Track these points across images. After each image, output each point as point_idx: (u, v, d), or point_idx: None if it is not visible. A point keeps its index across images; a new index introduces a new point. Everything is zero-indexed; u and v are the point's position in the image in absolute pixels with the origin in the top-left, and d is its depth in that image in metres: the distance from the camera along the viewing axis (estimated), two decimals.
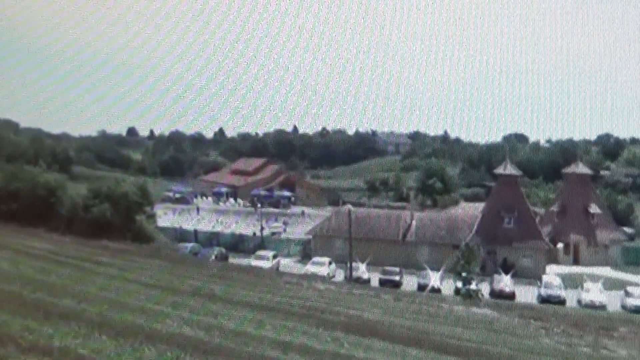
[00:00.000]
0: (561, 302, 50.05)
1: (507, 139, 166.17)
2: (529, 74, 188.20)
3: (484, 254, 59.98)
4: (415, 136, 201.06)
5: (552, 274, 59.05)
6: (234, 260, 58.29)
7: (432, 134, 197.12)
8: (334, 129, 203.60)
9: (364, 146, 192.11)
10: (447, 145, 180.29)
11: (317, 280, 42.87)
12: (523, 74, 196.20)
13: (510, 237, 63.86)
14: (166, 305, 20.49)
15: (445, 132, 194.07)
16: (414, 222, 66.86)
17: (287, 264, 61.53)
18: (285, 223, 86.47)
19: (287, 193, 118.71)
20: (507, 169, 68.48)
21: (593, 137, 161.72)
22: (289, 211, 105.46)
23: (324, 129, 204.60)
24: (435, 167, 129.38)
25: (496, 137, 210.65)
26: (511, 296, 51.44)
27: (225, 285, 29.79)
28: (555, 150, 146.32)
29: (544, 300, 50.42)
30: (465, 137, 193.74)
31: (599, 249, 71.44)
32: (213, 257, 56.01)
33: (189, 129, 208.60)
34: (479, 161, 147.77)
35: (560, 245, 70.58)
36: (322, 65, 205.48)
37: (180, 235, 69.38)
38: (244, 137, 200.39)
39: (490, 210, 66.56)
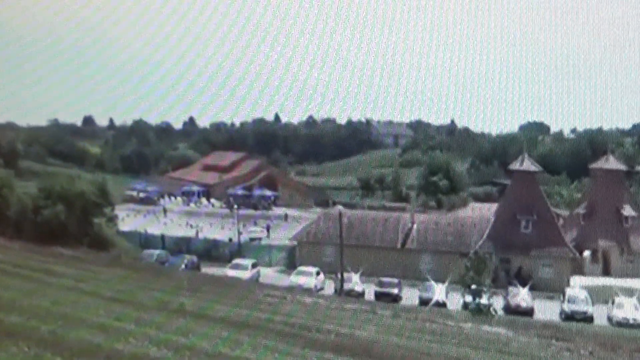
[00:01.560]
0: (588, 319, 50.13)
1: (524, 128, 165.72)
2: (551, 51, 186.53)
3: (497, 263, 60.26)
4: (417, 126, 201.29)
5: (578, 286, 58.17)
6: (207, 269, 58.28)
7: (436, 123, 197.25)
8: (323, 117, 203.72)
9: (357, 138, 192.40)
10: (454, 137, 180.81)
11: (303, 293, 43.04)
12: (544, 52, 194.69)
13: (528, 244, 64.09)
14: (129, 322, 20.57)
15: (452, 122, 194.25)
16: (415, 226, 66.93)
17: (269, 274, 61.52)
18: (267, 227, 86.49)
19: (268, 192, 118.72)
20: (525, 164, 68.65)
21: (627, 126, 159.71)
22: (270, 213, 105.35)
23: (310, 117, 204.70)
24: (440, 161, 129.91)
25: (512, 126, 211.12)
26: (529, 312, 51.60)
27: (197, 299, 29.90)
28: (582, 142, 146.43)
29: (568, 317, 50.54)
30: (475, 127, 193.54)
31: (634, 258, 71.23)
32: (183, 266, 56.02)
33: (154, 118, 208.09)
34: (492, 155, 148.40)
35: (587, 253, 70.18)
36: (309, 43, 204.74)
37: (145, 241, 69.13)
38: (218, 127, 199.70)
39: (504, 212, 66.76)
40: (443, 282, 53.66)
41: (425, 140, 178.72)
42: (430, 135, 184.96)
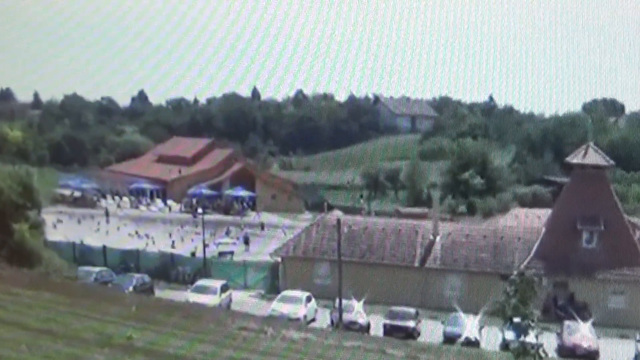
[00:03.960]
0: None
1: (589, 108, 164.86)
2: (625, 5, 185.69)
3: (549, 288, 60.53)
4: (443, 104, 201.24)
5: None
6: (163, 293, 58.87)
7: (468, 100, 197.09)
8: (315, 93, 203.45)
9: (361, 120, 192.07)
10: (492, 119, 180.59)
11: (289, 325, 43.15)
12: (615, 8, 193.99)
13: (593, 264, 64.06)
14: None
15: (491, 98, 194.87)
16: (438, 239, 67.17)
17: (244, 299, 61.99)
18: (245, 238, 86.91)
19: (243, 192, 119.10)
20: (589, 156, 68.63)
21: None
22: (246, 220, 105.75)
23: (299, 92, 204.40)
24: (474, 152, 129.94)
25: (573, 105, 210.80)
26: (592, 356, 51.84)
27: (148, 332, 30.14)
28: None
29: None
30: (521, 106, 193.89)
31: None
32: (131, 288, 56.26)
33: (93, 93, 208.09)
34: (543, 144, 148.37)
35: None
36: None
37: (82, 255, 69.52)
38: (178, 105, 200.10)
39: (560, 220, 66.87)
40: (475, 313, 53.80)
41: (453, 124, 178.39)
42: (461, 116, 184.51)
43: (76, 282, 52.97)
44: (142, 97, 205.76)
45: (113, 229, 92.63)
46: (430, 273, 65.09)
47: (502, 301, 46.71)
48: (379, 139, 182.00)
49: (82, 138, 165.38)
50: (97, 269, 60.28)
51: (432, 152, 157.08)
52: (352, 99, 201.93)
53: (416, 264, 65.35)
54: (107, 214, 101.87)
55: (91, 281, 55.78)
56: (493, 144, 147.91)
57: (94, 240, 77.73)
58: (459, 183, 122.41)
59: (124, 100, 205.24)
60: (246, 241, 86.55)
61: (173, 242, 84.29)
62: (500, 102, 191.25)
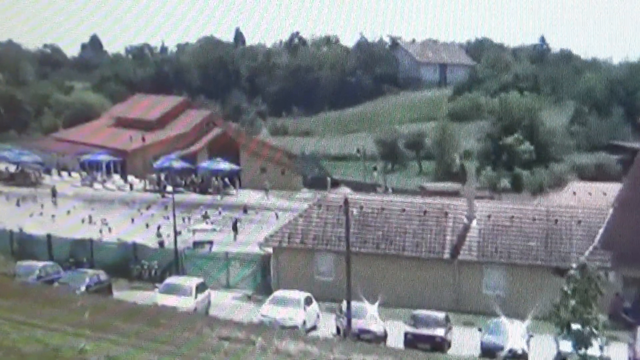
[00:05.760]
0: None
1: None
2: None
3: (619, 286, 60.72)
4: (480, 48, 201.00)
5: None
6: (124, 294, 59.03)
7: (512, 44, 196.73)
8: (315, 36, 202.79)
9: (374, 70, 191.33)
10: (544, 67, 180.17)
11: (284, 334, 43.37)
12: None
13: None
14: None
15: (542, 41, 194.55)
16: (475, 223, 67.72)
17: (226, 302, 62.50)
18: (234, 223, 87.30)
19: (224, 165, 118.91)
20: None
21: None
22: (228, 201, 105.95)
23: (296, 36, 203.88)
24: (520, 111, 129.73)
25: None
26: None
27: (107, 344, 30.37)
28: None
29: None
30: (582, 51, 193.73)
31: None
32: (83, 288, 56.46)
33: (32, 39, 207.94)
34: (610, 99, 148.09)
35: None
36: None
37: (21, 246, 70.19)
38: (140, 54, 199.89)
39: (632, 198, 67.01)
40: (522, 318, 53.87)
41: (494, 74, 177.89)
42: (504, 64, 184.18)
43: (14, 281, 53.20)
44: (94, 44, 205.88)
45: (60, 212, 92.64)
46: (464, 267, 65.57)
47: (557, 303, 47.18)
48: (398, 95, 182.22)
49: (20, 97, 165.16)
50: (40, 263, 60.55)
51: (466, 111, 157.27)
52: (362, 43, 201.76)
53: (446, 256, 65.83)
54: (53, 193, 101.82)
55: (33, 279, 55.94)
56: (545, 100, 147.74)
57: (36, 228, 78.03)
58: (501, 150, 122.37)
59: (72, 49, 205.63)
60: (234, 227, 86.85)
61: (134, 227, 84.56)
62: (555, 45, 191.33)
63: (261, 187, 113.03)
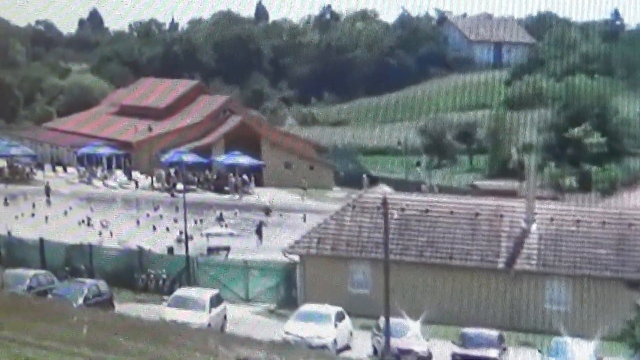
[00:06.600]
0: None
1: None
2: None
3: None
4: (542, 24, 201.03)
5: None
6: (127, 307, 58.61)
7: (580, 19, 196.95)
8: (350, 10, 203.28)
9: (419, 50, 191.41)
10: (617, 46, 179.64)
11: (311, 355, 42.86)
12: None
13: None
14: None
15: (616, 13, 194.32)
16: (535, 228, 67.16)
17: (245, 317, 62.50)
18: (259, 227, 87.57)
19: (244, 159, 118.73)
20: None
21: None
22: (249, 200, 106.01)
23: (328, 10, 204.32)
24: (589, 97, 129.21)
25: None
26: None
27: None
28: None
29: None
30: None
31: None
32: (81, 300, 56.01)
33: (23, 15, 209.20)
34: None
35: None
36: None
37: (9, 252, 70.50)
38: (146, 31, 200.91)
39: None
40: (589, 338, 53.22)
41: (558, 54, 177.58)
42: (570, 43, 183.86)
43: (1, 292, 53.30)
44: (94, 20, 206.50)
45: (55, 213, 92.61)
46: (522, 278, 65.17)
47: (631, 320, 46.37)
48: (446, 79, 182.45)
49: (9, 81, 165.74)
50: (31, 272, 60.64)
51: (525, 97, 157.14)
52: (405, 18, 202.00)
53: (501, 265, 65.43)
54: (47, 192, 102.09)
55: (23, 290, 55.90)
56: (619, 85, 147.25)
57: (26, 230, 78.33)
58: (567, 143, 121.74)
59: (68, 25, 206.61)
60: (258, 232, 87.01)
61: (140, 230, 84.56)
62: (630, 20, 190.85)
63: (294, 186, 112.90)
